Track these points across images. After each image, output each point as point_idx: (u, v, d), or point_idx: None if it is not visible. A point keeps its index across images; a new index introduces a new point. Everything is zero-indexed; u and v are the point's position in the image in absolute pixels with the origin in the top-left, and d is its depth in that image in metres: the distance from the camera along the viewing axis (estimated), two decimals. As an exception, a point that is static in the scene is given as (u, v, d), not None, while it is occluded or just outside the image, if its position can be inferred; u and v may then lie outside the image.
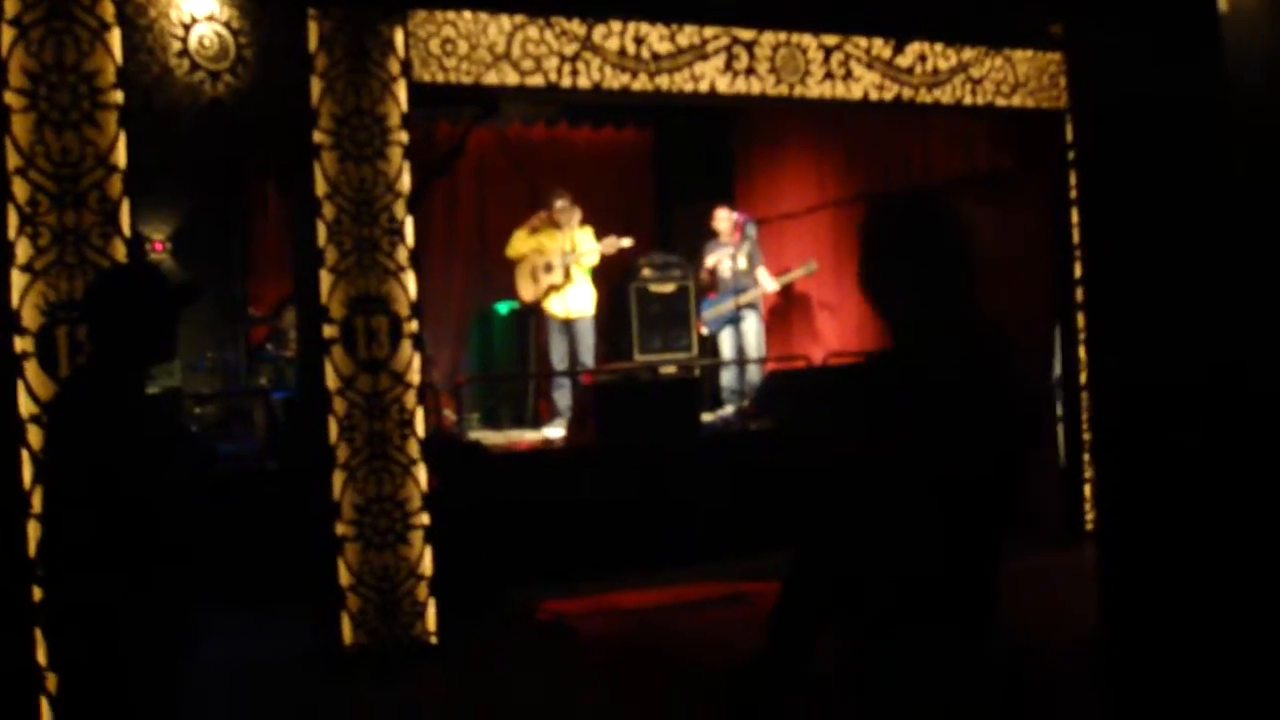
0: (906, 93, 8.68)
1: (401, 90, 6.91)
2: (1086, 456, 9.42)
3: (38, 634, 5.62)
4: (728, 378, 11.32)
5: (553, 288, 10.59)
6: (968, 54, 8.92)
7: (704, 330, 11.61)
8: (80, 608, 3.46)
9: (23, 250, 5.86)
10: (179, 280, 9.87)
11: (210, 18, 6.48)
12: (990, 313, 2.81)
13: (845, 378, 3.01)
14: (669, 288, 11.76)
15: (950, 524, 2.67)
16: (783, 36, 8.16)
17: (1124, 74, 3.06)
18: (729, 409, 10.93)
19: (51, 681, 5.45)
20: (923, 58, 8.72)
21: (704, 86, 7.93)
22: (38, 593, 5.54)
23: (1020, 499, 2.80)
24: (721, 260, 11.32)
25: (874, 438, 2.65)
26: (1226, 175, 2.82)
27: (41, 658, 5.60)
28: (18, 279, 5.84)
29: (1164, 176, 2.96)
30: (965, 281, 2.75)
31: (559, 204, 10.61)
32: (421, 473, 6.91)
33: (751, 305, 11.22)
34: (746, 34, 8.04)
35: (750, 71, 8.07)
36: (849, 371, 3.24)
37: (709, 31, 7.91)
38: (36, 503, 5.62)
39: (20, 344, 5.82)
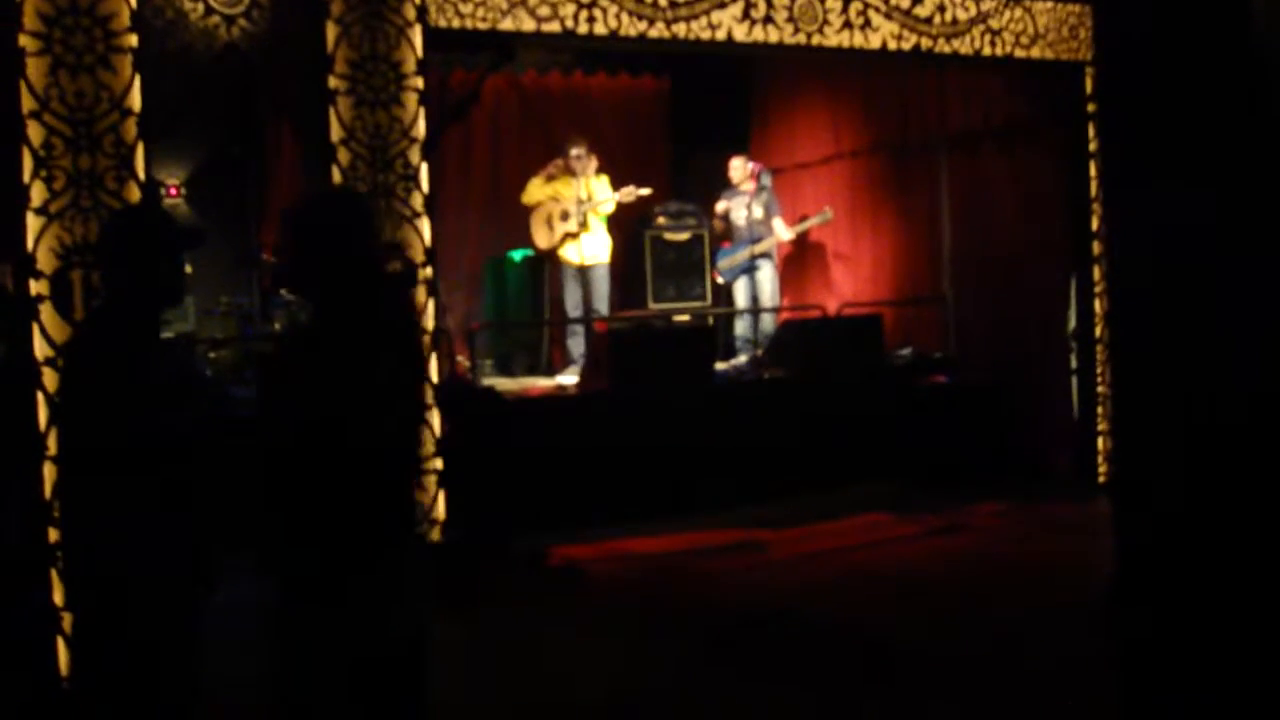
0: (925, 43, 8.62)
1: (417, 36, 6.88)
2: (1100, 409, 9.42)
3: (54, 575, 5.68)
4: (741, 327, 11.31)
5: (569, 235, 10.56)
6: (987, 4, 8.85)
7: (719, 279, 11.59)
8: (96, 549, 3.49)
9: (38, 193, 5.87)
10: (187, 224, 9.88)
11: (225, -39, 6.47)
12: (394, 273, 3.43)
13: (277, 357, 3.50)
14: (684, 236, 11.73)
15: (369, 475, 3.21)
16: (801, -16, 8.10)
17: (1148, 25, 3.03)
18: (742, 358, 10.93)
19: (68, 622, 5.50)
20: (941, 8, 8.65)
21: (721, 35, 7.87)
22: (53, 534, 5.62)
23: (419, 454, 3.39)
24: (737, 209, 11.28)
25: (298, 402, 3.21)
26: (1251, 129, 2.80)
27: (58, 598, 5.66)
28: (33, 222, 5.86)
29: (1186, 130, 2.94)
30: (377, 256, 3.39)
31: (574, 152, 10.55)
32: (434, 418, 6.93)
33: (766, 254, 11.19)
34: (764, -19, 7.98)
35: (768, 20, 8.01)
36: (279, 353, 3.67)
37: (726, -22, 7.85)
38: (52, 445, 5.65)
39: (35, 287, 5.84)
